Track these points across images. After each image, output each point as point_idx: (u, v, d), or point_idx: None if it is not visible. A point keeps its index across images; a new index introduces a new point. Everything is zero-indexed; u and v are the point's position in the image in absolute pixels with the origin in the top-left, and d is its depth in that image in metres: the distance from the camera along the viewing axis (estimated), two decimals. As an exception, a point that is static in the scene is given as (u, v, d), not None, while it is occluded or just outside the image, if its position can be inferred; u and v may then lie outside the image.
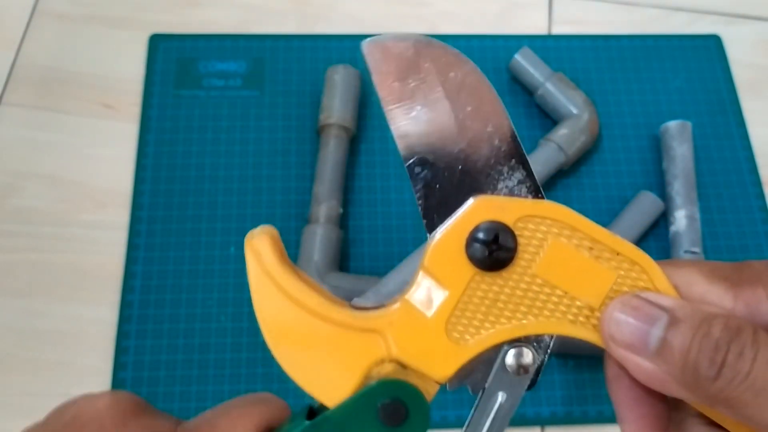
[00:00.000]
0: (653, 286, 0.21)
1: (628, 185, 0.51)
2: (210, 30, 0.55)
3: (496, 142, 0.23)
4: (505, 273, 0.21)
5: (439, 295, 0.21)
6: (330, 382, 0.21)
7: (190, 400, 0.43)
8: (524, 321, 0.21)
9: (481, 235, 0.21)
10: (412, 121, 0.24)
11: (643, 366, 0.20)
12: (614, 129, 0.53)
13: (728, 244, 0.49)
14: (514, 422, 0.43)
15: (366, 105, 0.53)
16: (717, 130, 0.53)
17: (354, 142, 0.51)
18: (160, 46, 0.54)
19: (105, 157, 0.50)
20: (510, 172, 0.23)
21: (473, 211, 0.21)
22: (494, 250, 0.21)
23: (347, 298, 0.43)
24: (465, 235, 0.21)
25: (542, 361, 0.22)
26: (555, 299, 0.21)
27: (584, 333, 0.21)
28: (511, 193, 0.22)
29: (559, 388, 0.44)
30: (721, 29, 0.58)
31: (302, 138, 0.51)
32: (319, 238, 0.45)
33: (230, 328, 0.45)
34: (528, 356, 0.22)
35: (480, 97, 0.25)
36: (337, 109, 0.49)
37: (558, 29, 0.57)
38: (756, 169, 0.52)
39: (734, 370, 0.18)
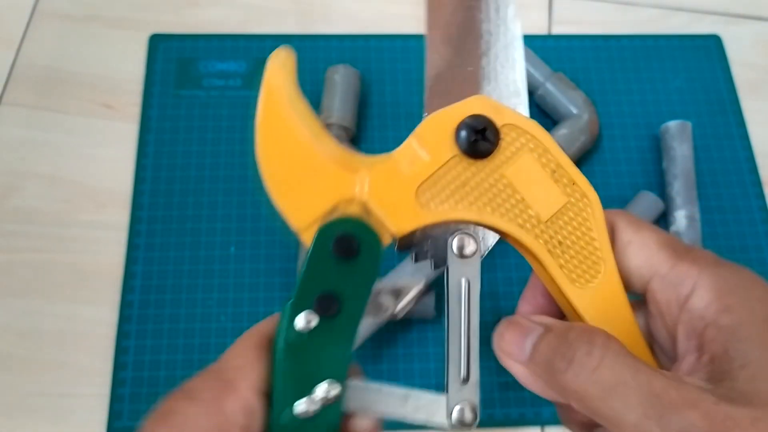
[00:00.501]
0: (593, 218, 0.24)
1: (628, 185, 0.51)
2: (210, 30, 0.55)
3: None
4: (479, 163, 0.24)
5: (421, 161, 0.24)
6: (301, 206, 0.24)
7: (190, 400, 0.43)
8: (482, 210, 0.24)
9: (471, 123, 0.24)
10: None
11: (520, 371, 0.24)
12: (614, 129, 0.53)
13: (728, 244, 0.49)
14: (513, 422, 0.43)
15: (366, 105, 0.53)
16: (717, 130, 0.53)
17: (354, 142, 0.51)
18: (160, 46, 0.54)
19: (105, 157, 0.50)
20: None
21: (472, 103, 0.24)
22: (478, 140, 0.24)
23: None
24: (459, 119, 0.24)
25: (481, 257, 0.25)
26: (513, 201, 0.24)
27: (526, 238, 0.24)
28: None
29: (559, 388, 0.44)
30: (721, 29, 0.58)
31: (302, 138, 0.51)
32: (319, 238, 0.45)
33: (230, 328, 0.45)
34: (471, 245, 0.25)
35: None
36: (337, 108, 0.49)
37: (558, 29, 0.57)
38: (756, 169, 0.52)
39: (582, 365, 0.21)
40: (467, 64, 0.30)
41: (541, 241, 0.24)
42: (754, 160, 0.52)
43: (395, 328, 0.45)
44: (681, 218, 0.48)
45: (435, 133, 0.24)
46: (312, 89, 0.53)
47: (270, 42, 0.55)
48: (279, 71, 0.25)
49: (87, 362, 0.44)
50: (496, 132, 0.24)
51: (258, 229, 0.48)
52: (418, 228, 0.24)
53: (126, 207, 0.48)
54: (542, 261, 0.24)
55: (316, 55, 0.54)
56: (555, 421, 0.44)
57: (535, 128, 0.24)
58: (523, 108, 0.29)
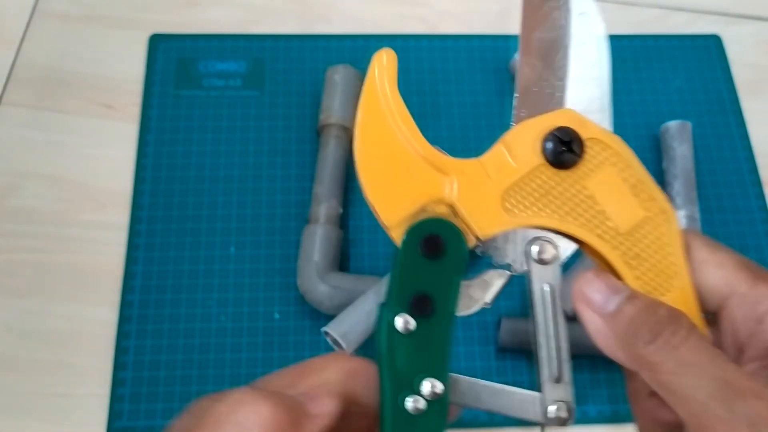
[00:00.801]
0: (670, 233, 0.26)
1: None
2: (210, 30, 0.55)
3: None
4: (563, 174, 0.25)
5: (508, 167, 0.25)
6: (393, 203, 0.25)
7: (191, 400, 0.43)
8: (564, 218, 0.25)
9: (558, 134, 0.25)
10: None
11: (594, 321, 0.24)
12: (614, 129, 0.53)
13: (728, 244, 0.49)
14: (513, 422, 0.43)
15: (366, 105, 0.53)
16: (717, 130, 0.53)
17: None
18: (160, 46, 0.54)
19: (105, 157, 0.50)
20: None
21: (560, 115, 0.25)
22: (564, 151, 0.25)
23: (347, 298, 0.43)
24: (546, 130, 0.25)
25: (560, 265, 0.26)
26: (593, 212, 0.25)
27: (604, 248, 0.25)
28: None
29: (559, 388, 0.44)
30: (721, 29, 0.58)
31: (302, 138, 0.51)
32: (319, 238, 0.45)
33: (230, 328, 0.45)
34: (550, 251, 0.26)
35: None
36: (337, 109, 0.49)
37: (558, 29, 0.57)
38: (756, 169, 0.52)
39: (666, 341, 0.23)
40: (556, 79, 0.31)
41: (618, 252, 0.25)
42: (754, 160, 0.52)
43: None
44: (681, 218, 0.48)
45: (523, 142, 0.25)
46: (312, 89, 0.53)
47: (270, 42, 0.55)
48: (381, 72, 0.26)
49: (87, 362, 0.44)
50: (581, 145, 0.25)
51: (258, 229, 0.48)
52: (502, 232, 0.25)
53: (126, 207, 0.48)
54: (619, 271, 0.25)
55: (316, 55, 0.54)
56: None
57: (619, 143, 0.25)
58: (607, 124, 0.31)
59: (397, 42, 0.55)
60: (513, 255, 0.27)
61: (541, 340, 0.26)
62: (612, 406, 0.44)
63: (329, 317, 0.42)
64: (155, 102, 0.52)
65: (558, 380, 0.26)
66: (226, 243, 0.47)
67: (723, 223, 0.50)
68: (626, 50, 0.56)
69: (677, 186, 0.49)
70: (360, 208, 0.49)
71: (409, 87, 0.54)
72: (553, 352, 0.26)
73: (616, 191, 0.25)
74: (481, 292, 0.26)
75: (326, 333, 0.42)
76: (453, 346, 0.45)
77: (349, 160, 0.50)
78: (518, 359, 0.45)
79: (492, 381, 0.44)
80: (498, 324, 0.45)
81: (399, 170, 0.25)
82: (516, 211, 0.25)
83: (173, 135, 0.51)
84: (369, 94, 0.25)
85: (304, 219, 0.48)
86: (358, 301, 0.42)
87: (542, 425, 0.26)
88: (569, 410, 0.26)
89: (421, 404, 0.24)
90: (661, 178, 0.51)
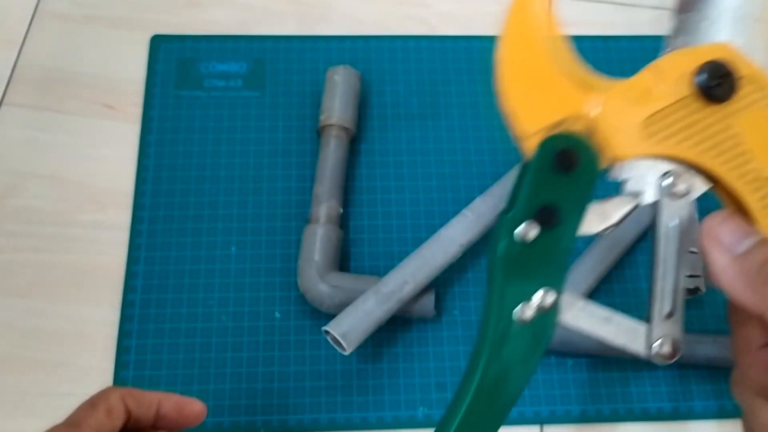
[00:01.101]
0: None
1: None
2: (211, 31, 0.56)
3: None
4: (711, 108, 0.24)
5: (655, 93, 0.24)
6: (531, 113, 0.25)
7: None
8: (704, 153, 0.24)
9: (713, 67, 0.24)
10: None
11: (722, 262, 0.24)
12: (613, 129, 0.53)
13: (726, 244, 0.49)
14: (512, 421, 0.43)
15: (366, 105, 0.53)
16: (715, 130, 0.53)
17: (354, 142, 0.51)
18: (161, 46, 0.54)
19: (106, 158, 0.50)
20: None
21: (717, 49, 0.24)
22: (716, 85, 0.24)
23: (347, 297, 0.44)
24: (701, 61, 0.24)
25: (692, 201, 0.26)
26: (737, 152, 0.24)
27: (742, 189, 0.25)
28: None
29: (558, 388, 0.45)
30: (720, 30, 0.58)
31: (303, 138, 0.51)
32: (319, 237, 0.45)
33: (231, 327, 0.45)
34: (682, 185, 0.25)
35: None
36: (337, 109, 0.49)
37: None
38: (754, 169, 0.52)
39: None
40: (716, 9, 0.30)
41: (757, 195, 0.25)
42: (753, 161, 0.53)
43: (395, 328, 0.45)
44: (679, 218, 0.48)
45: (675, 69, 0.24)
46: (312, 90, 0.53)
47: (270, 43, 0.55)
48: None
49: (89, 362, 0.44)
50: (734, 80, 0.24)
51: (259, 229, 0.48)
52: (638, 157, 0.25)
53: (127, 207, 0.49)
54: (753, 216, 0.25)
55: (316, 55, 0.54)
56: (553, 420, 0.44)
57: None
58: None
59: (397, 43, 0.56)
60: (643, 185, 0.26)
61: (659, 273, 0.26)
62: (610, 405, 0.44)
63: (329, 316, 0.43)
64: (156, 102, 0.52)
65: (670, 315, 0.26)
66: (227, 243, 0.48)
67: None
68: (625, 51, 0.56)
69: (676, 186, 0.49)
70: (360, 208, 0.49)
71: (409, 87, 0.54)
72: (669, 287, 0.26)
73: (764, 134, 0.24)
74: (608, 214, 0.26)
75: (326, 332, 0.42)
76: (457, 345, 0.46)
77: (350, 161, 0.50)
78: (517, 358, 0.45)
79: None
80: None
81: (541, 82, 0.25)
82: (656, 138, 0.24)
83: (174, 135, 0.51)
84: (521, 3, 0.26)
85: (305, 219, 0.48)
86: (358, 301, 0.43)
87: (645, 359, 0.26)
88: (675, 346, 0.25)
89: (529, 314, 0.24)
90: (659, 178, 0.51)
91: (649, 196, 0.26)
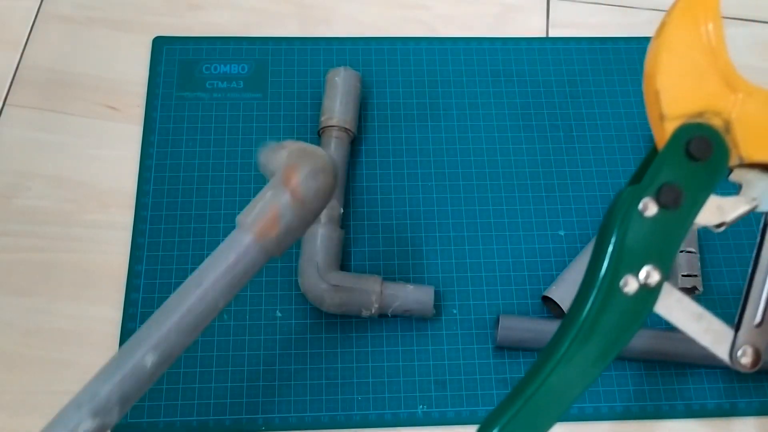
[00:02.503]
0: None
1: (625, 185, 0.51)
2: (213, 32, 0.56)
3: None
4: None
5: None
6: (678, 97, 0.26)
7: (194, 398, 0.44)
8: None
9: None
10: None
11: None
12: (611, 130, 0.54)
13: (723, 244, 0.50)
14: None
15: (366, 107, 0.53)
16: (712, 131, 0.54)
17: (354, 143, 0.52)
18: (163, 48, 0.55)
19: (109, 158, 0.51)
20: None
21: None
22: None
23: (348, 296, 0.44)
24: None
25: None
26: None
27: None
28: None
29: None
30: (717, 32, 0.58)
31: (303, 139, 0.52)
32: (320, 237, 0.45)
33: (233, 326, 0.45)
34: None
35: None
36: (337, 110, 0.50)
37: (556, 32, 0.58)
38: (751, 170, 0.53)
39: None
40: None
41: None
42: (749, 161, 0.53)
43: (395, 327, 0.46)
44: (677, 218, 0.48)
45: None
46: (313, 91, 0.53)
47: (272, 44, 0.55)
48: None
49: (91, 360, 0.45)
50: None
51: (260, 229, 0.49)
52: (764, 162, 0.26)
53: (130, 207, 0.49)
54: None
55: (317, 57, 0.55)
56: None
57: None
58: None
59: (397, 44, 0.56)
60: (762, 192, 0.27)
61: (758, 279, 0.26)
62: (610, 404, 0.45)
63: (330, 315, 0.43)
64: (158, 104, 0.53)
65: (759, 324, 0.26)
66: (229, 242, 0.48)
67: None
68: (623, 52, 0.57)
69: (673, 186, 0.49)
70: (360, 208, 0.50)
71: (408, 88, 0.54)
72: (765, 296, 0.26)
73: None
74: (725, 211, 0.26)
75: (546, 298, 0.45)
76: (457, 343, 0.46)
77: (350, 161, 0.51)
78: (516, 357, 0.46)
79: (491, 378, 0.45)
80: (496, 322, 0.46)
81: (695, 72, 0.26)
82: None
83: (176, 136, 0.51)
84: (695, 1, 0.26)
85: (306, 219, 0.48)
86: (573, 264, 0.46)
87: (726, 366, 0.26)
88: (756, 356, 0.26)
89: (633, 287, 0.25)
90: (657, 178, 0.51)
91: (764, 206, 0.27)
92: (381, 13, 0.58)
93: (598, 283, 0.25)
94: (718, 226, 0.27)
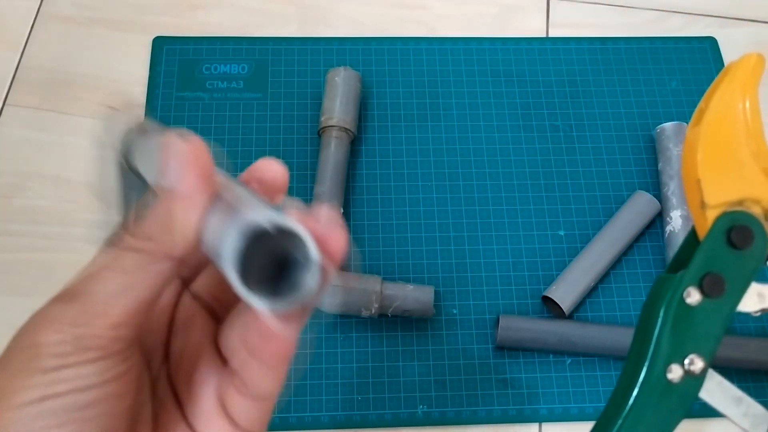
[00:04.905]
0: None
1: (625, 185, 0.51)
2: (213, 32, 0.56)
3: None
4: None
5: None
6: (719, 186, 0.27)
7: (194, 397, 0.44)
8: None
9: None
10: None
11: None
12: (611, 130, 0.54)
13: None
14: (511, 419, 0.44)
15: (366, 107, 0.53)
16: (712, 131, 0.54)
17: (354, 143, 0.52)
18: (163, 48, 0.55)
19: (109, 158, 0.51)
20: None
21: None
22: None
23: (348, 296, 0.44)
24: None
25: None
26: None
27: None
28: None
29: (557, 386, 0.45)
30: (717, 32, 0.58)
31: (303, 139, 0.52)
32: (320, 237, 0.45)
33: (233, 326, 0.45)
34: None
35: None
36: (337, 110, 0.50)
37: (555, 32, 0.58)
38: (751, 170, 0.53)
39: None
40: None
41: None
42: (749, 161, 0.53)
43: (395, 327, 0.46)
44: (677, 218, 0.48)
45: None
46: (313, 91, 0.53)
47: (272, 44, 0.55)
48: (752, 72, 0.27)
49: (92, 360, 0.45)
50: None
51: (260, 229, 0.49)
52: None
53: (130, 207, 0.49)
54: None
55: (317, 57, 0.55)
56: (552, 419, 0.44)
57: None
58: None
59: (397, 44, 0.56)
60: None
61: None
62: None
63: (330, 315, 0.43)
64: (158, 104, 0.53)
65: None
66: (229, 242, 0.48)
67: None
68: (623, 52, 0.57)
69: (673, 186, 0.49)
70: (360, 208, 0.50)
71: (408, 89, 0.54)
72: None
73: None
74: (765, 298, 0.27)
75: (546, 298, 0.46)
76: (456, 343, 0.46)
77: (350, 161, 0.51)
78: (515, 357, 0.46)
79: (491, 378, 0.45)
80: (496, 322, 0.46)
81: (735, 161, 0.27)
82: None
83: (176, 136, 0.51)
84: (733, 89, 0.27)
85: (306, 219, 0.48)
86: (573, 264, 0.46)
87: None
88: None
89: (678, 375, 0.25)
90: (656, 178, 0.51)
91: None
92: (381, 13, 0.58)
93: (643, 372, 0.26)
94: (758, 312, 0.27)
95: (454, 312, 0.47)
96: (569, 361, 0.46)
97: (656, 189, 0.51)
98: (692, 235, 0.28)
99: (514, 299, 0.47)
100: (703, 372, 0.26)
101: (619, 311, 0.47)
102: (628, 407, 0.26)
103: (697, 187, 0.27)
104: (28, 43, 0.55)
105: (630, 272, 0.48)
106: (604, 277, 0.48)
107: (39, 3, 0.57)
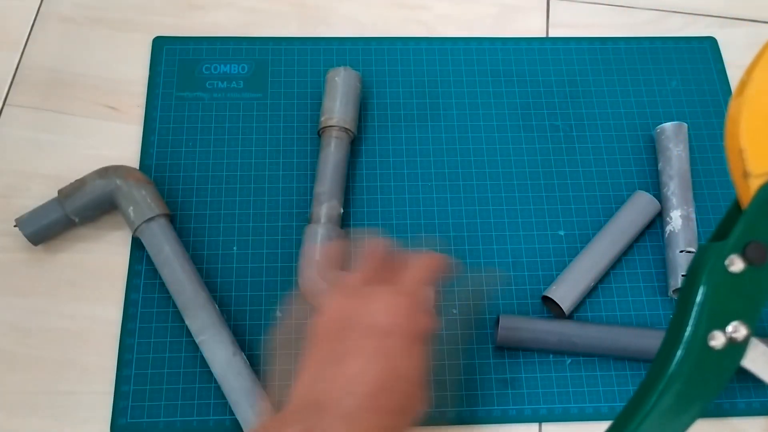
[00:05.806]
0: None
1: (625, 185, 0.51)
2: (213, 33, 0.56)
3: None
4: None
5: None
6: (761, 154, 0.26)
7: (194, 397, 0.44)
8: None
9: None
10: None
11: None
12: (611, 130, 0.54)
13: (723, 244, 0.50)
14: (511, 419, 0.44)
15: (366, 107, 0.53)
16: (712, 131, 0.54)
17: (354, 143, 0.52)
18: (163, 48, 0.55)
19: (109, 158, 0.51)
20: None
21: None
22: None
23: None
24: None
25: None
26: None
27: None
28: None
29: (557, 386, 0.45)
30: (716, 31, 0.58)
31: (303, 139, 0.52)
32: (320, 237, 0.45)
33: (231, 326, 0.45)
34: None
35: None
36: (337, 110, 0.50)
37: (555, 32, 0.58)
38: (751, 170, 0.53)
39: None
40: None
41: None
42: (749, 161, 0.53)
43: (395, 326, 0.46)
44: (677, 218, 0.48)
45: None
46: (313, 91, 0.53)
47: (272, 44, 0.55)
48: None
49: (91, 360, 0.45)
50: None
51: (260, 229, 0.49)
52: None
53: (130, 207, 0.49)
54: None
55: (317, 57, 0.55)
56: (552, 419, 0.44)
57: None
58: None
59: (397, 44, 0.56)
60: None
61: None
62: (608, 403, 0.45)
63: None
64: (158, 104, 0.53)
65: None
66: (229, 242, 0.48)
67: (718, 223, 0.51)
68: (623, 52, 0.57)
69: (673, 186, 0.49)
70: (360, 208, 0.50)
71: (409, 88, 0.54)
72: None
73: None
74: None
75: (546, 298, 0.46)
76: (456, 343, 0.46)
77: (350, 161, 0.51)
78: (516, 357, 0.46)
79: (491, 378, 0.45)
80: (496, 322, 0.46)
81: None
82: None
83: (176, 136, 0.51)
84: None
85: (306, 219, 0.48)
86: (573, 264, 0.46)
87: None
88: None
89: (720, 342, 0.25)
90: (656, 178, 0.51)
91: None
92: (381, 13, 0.58)
93: (685, 338, 0.25)
94: None
95: (454, 312, 0.47)
96: (569, 361, 0.46)
97: (656, 189, 0.51)
98: (734, 205, 0.28)
99: (514, 299, 0.47)
100: (746, 340, 0.26)
101: (619, 311, 0.47)
102: (669, 372, 0.25)
103: (740, 157, 0.27)
104: (28, 43, 0.55)
105: (630, 272, 0.48)
106: (604, 277, 0.48)
107: (39, 3, 0.57)
